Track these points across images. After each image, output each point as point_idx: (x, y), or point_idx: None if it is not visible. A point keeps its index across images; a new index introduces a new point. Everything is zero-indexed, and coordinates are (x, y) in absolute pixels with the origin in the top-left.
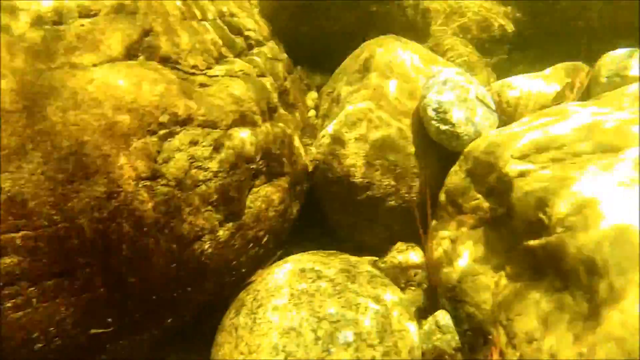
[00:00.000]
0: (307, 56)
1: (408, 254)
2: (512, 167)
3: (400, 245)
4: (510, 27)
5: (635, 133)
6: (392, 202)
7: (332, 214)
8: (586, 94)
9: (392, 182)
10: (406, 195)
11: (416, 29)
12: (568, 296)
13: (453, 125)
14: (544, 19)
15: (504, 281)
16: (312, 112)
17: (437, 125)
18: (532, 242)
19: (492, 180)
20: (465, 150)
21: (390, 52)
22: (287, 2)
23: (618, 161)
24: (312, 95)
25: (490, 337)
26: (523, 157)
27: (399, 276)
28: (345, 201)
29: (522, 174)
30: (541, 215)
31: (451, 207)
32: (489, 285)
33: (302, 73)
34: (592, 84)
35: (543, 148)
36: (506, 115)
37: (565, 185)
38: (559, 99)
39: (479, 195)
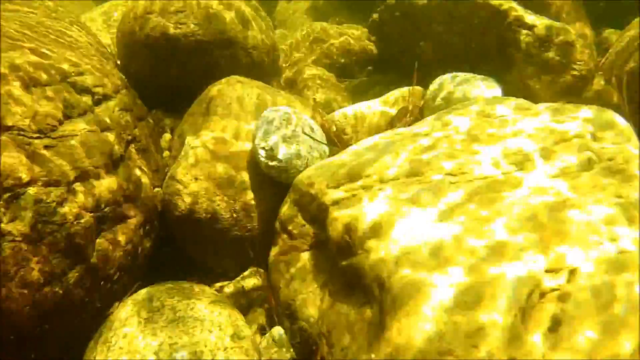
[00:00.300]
0: (163, 99)
1: (252, 278)
2: (327, 196)
3: (248, 270)
4: (371, 50)
5: (441, 165)
6: (237, 232)
7: (185, 246)
8: (421, 117)
9: (234, 215)
10: (248, 225)
11: (263, 67)
12: (368, 309)
13: (280, 160)
14: (392, 43)
15: (327, 297)
16: (166, 153)
17: (266, 161)
18: (343, 263)
19: (313, 209)
20: (293, 182)
21: (230, 93)
22: (140, 50)
23: (417, 187)
24: (167, 137)
25: (315, 347)
26: (337, 186)
27: (243, 299)
28: (194, 235)
29: (335, 202)
30: (347, 239)
31: (284, 233)
32: (316, 301)
33: (157, 116)
34: (424, 107)
35: (354, 176)
36: (343, 143)
37: (365, 211)
38: (393, 123)
39: (305, 222)
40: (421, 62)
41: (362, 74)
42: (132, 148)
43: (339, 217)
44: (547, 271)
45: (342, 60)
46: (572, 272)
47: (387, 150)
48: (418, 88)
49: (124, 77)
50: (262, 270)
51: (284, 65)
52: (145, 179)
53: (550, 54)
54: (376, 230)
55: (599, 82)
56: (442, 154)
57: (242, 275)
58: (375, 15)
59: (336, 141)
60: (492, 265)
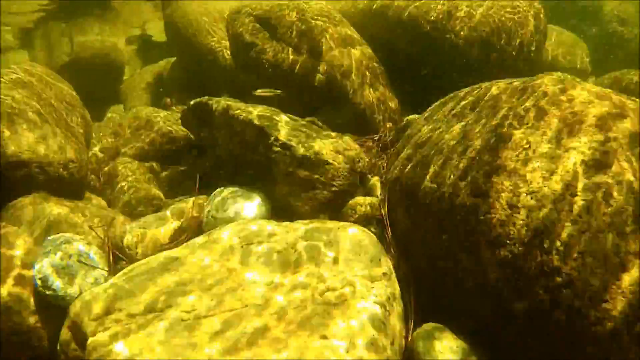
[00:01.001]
0: None
1: None
2: (87, 327)
3: None
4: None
5: (185, 302)
6: (28, 353)
7: None
8: (203, 231)
9: (23, 337)
10: (36, 345)
11: (63, 180)
12: None
13: (54, 290)
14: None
15: None
16: None
17: (43, 290)
18: None
19: (80, 337)
20: (68, 310)
21: (22, 216)
22: None
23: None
24: None
25: None
26: (96, 318)
27: None
28: None
29: (93, 333)
30: None
31: (64, 356)
32: None
33: None
34: (203, 222)
35: (109, 309)
36: (131, 260)
37: (109, 349)
38: (175, 238)
39: (77, 347)
40: (215, 168)
41: (186, 161)
42: None
43: (92, 349)
44: None
45: (167, 147)
46: None
47: (140, 285)
48: (203, 198)
49: None
50: None
51: (105, 157)
52: None
53: (307, 172)
54: None
55: (375, 185)
56: (190, 288)
57: None
58: (182, 113)
59: (123, 258)
60: None
